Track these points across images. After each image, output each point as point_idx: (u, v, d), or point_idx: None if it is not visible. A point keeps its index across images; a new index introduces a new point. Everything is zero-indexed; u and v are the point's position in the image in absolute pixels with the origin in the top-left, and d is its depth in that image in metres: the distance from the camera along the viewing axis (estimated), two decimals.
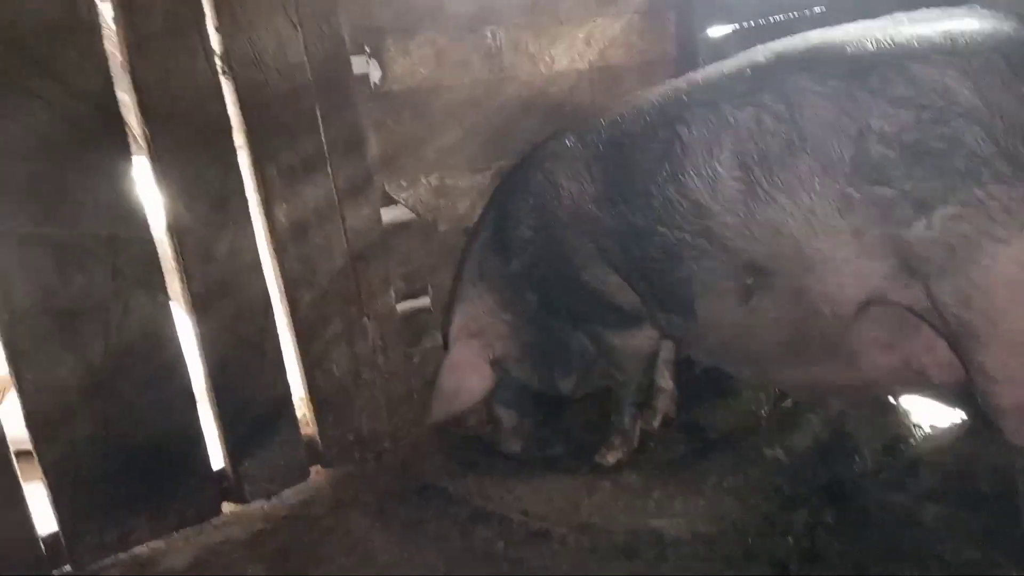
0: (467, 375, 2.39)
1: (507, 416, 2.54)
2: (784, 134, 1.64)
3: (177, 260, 2.20)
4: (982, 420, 2.08)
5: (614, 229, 2.02)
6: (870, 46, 1.58)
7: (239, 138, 2.28)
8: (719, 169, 1.74)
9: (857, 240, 1.59)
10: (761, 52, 1.78)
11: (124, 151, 2.07)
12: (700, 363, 2.54)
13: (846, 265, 1.62)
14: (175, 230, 2.17)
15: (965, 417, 2.22)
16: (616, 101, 2.85)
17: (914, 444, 2.22)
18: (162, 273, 2.18)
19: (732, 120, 1.72)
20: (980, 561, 1.75)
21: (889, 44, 1.57)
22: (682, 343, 2.22)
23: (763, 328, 1.83)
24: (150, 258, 2.13)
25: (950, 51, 1.49)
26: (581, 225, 2.10)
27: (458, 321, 2.43)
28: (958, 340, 1.57)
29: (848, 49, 1.61)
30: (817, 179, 1.60)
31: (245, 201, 2.27)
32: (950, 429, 2.25)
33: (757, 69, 1.74)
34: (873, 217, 1.56)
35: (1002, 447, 1.67)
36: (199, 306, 2.22)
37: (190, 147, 2.17)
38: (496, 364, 2.43)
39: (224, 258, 2.24)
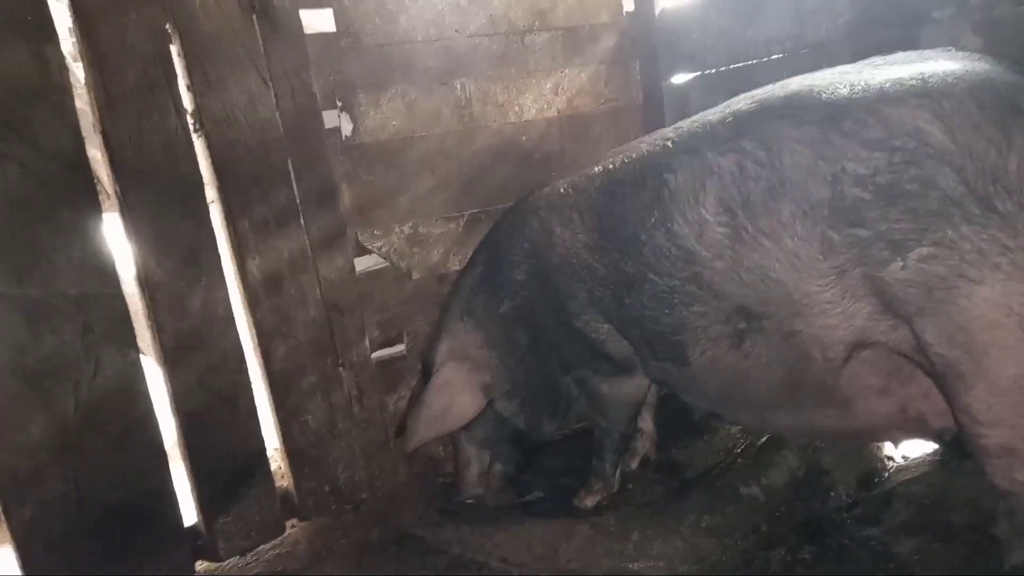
0: (457, 394, 2.36)
1: (477, 457, 2.51)
2: (766, 179, 1.68)
3: (149, 315, 2.20)
4: (953, 450, 2.11)
5: (606, 277, 2.05)
6: (844, 91, 1.63)
7: (211, 192, 2.30)
8: (705, 215, 1.77)
9: (841, 281, 1.61)
10: (742, 100, 1.83)
11: (95, 209, 2.08)
12: (697, 409, 2.54)
13: (832, 307, 1.64)
14: (147, 285, 2.18)
15: (936, 447, 2.24)
16: (588, 150, 2.97)
17: (888, 476, 2.24)
18: (133, 329, 2.17)
19: (716, 167, 1.76)
20: None
21: (863, 88, 1.61)
22: (677, 390, 2.21)
23: (756, 373, 1.84)
24: (121, 314, 2.12)
25: (922, 93, 1.53)
26: (574, 272, 2.13)
27: (444, 349, 2.42)
28: (944, 381, 1.58)
29: (823, 95, 1.65)
30: (799, 222, 1.63)
31: (217, 255, 2.28)
32: (922, 460, 2.27)
33: (738, 116, 1.78)
34: (853, 258, 1.59)
35: (974, 478, 1.68)
36: (171, 361, 2.22)
37: (162, 203, 2.19)
38: (486, 390, 2.39)
39: (196, 312, 2.24)
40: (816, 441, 2.28)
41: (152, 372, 2.24)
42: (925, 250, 1.51)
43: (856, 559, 1.94)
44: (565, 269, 2.14)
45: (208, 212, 2.27)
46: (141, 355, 2.20)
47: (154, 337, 2.22)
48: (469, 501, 2.52)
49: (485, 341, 2.39)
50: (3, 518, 2.01)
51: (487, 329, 2.38)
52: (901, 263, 1.54)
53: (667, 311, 1.91)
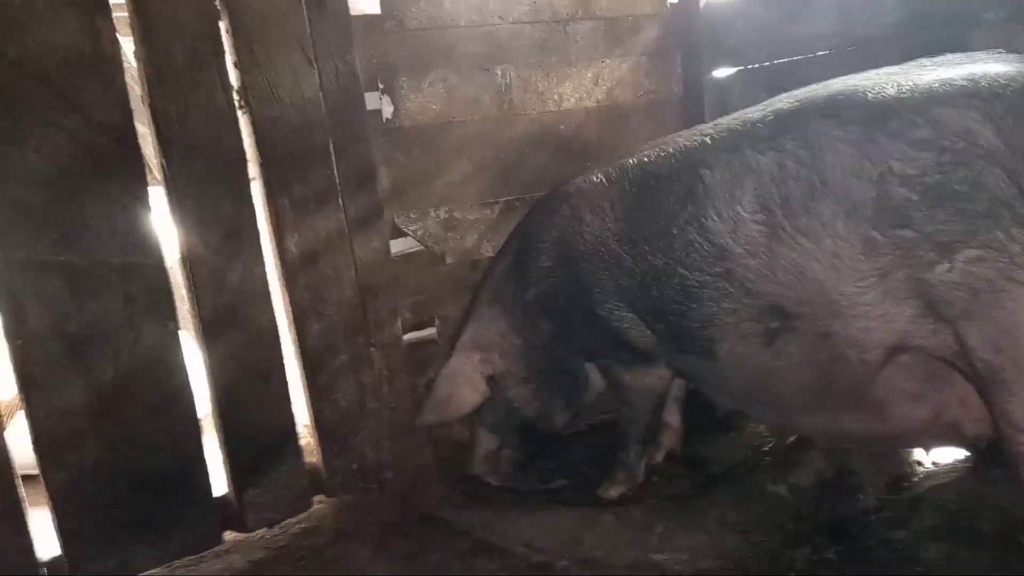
0: (461, 385, 2.43)
1: (487, 440, 2.55)
2: (806, 178, 1.66)
3: (188, 288, 2.24)
4: (985, 457, 2.09)
5: (634, 268, 2.05)
6: (891, 91, 1.61)
7: (253, 170, 2.33)
8: (741, 212, 1.76)
9: (882, 283, 1.60)
10: (784, 99, 1.82)
11: (141, 182, 2.12)
12: (720, 406, 2.54)
13: (872, 309, 1.62)
14: (188, 259, 2.21)
15: (968, 454, 2.22)
16: (625, 142, 2.96)
17: (917, 481, 2.22)
18: (173, 301, 2.21)
19: (754, 164, 1.74)
20: None
21: (910, 88, 1.59)
22: (700, 385, 2.22)
23: (787, 373, 1.83)
24: (162, 286, 2.16)
25: (972, 94, 1.51)
26: (601, 261, 2.13)
27: (466, 336, 2.47)
28: (985, 386, 1.56)
29: (869, 95, 1.63)
30: (840, 222, 1.62)
31: (257, 232, 2.31)
32: (953, 466, 2.25)
33: (779, 115, 1.77)
34: (897, 260, 1.57)
35: (1005, 486, 1.67)
36: (208, 334, 2.25)
37: (205, 178, 2.22)
38: (493, 381, 2.45)
39: (235, 287, 2.27)
40: (844, 444, 2.26)
41: (189, 344, 2.29)
42: (973, 252, 1.49)
43: (882, 561, 1.93)
44: (592, 257, 2.15)
45: (249, 189, 2.30)
46: (179, 328, 2.25)
47: (193, 310, 2.25)
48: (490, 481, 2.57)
49: (510, 328, 2.41)
50: (41, 479, 2.06)
51: (513, 316, 2.41)
52: (948, 265, 1.52)
53: (695, 306, 1.90)
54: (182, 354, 2.23)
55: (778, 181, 1.71)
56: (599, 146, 3.00)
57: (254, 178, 2.34)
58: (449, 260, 2.77)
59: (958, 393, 1.68)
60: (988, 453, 1.91)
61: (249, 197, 2.30)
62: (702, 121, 2.83)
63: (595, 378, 2.45)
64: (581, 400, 2.49)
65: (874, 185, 1.59)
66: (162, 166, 2.18)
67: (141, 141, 2.16)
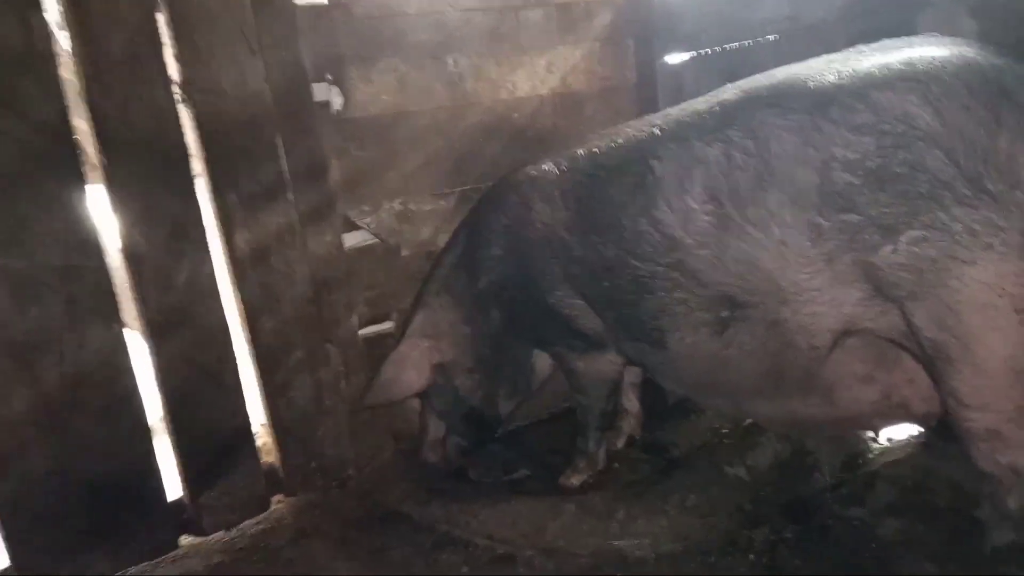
0: (406, 370, 2.42)
1: (435, 427, 2.55)
2: (753, 168, 1.68)
3: (134, 288, 2.17)
4: (938, 433, 2.13)
5: (583, 258, 2.05)
6: (832, 78, 1.63)
7: (198, 165, 2.27)
8: (691, 203, 1.77)
9: (829, 268, 1.62)
10: (730, 90, 1.83)
11: (80, 180, 2.05)
12: (672, 393, 2.55)
13: (820, 294, 1.65)
14: (132, 258, 2.15)
15: (921, 430, 2.25)
16: (581, 129, 2.94)
17: (872, 459, 2.26)
18: (117, 302, 2.15)
19: (703, 155, 1.76)
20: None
21: (850, 74, 1.61)
22: (652, 372, 2.23)
23: (738, 361, 1.85)
24: (105, 287, 2.10)
25: (910, 77, 1.53)
26: (551, 250, 2.13)
27: (415, 324, 2.45)
28: (933, 364, 1.59)
29: (810, 83, 1.65)
30: (787, 211, 1.63)
31: (203, 229, 2.25)
32: (907, 443, 2.29)
33: (725, 106, 1.78)
34: (843, 244, 1.59)
35: (958, 461, 1.70)
36: (156, 335, 2.20)
37: (148, 175, 2.16)
38: (440, 368, 2.44)
39: (182, 286, 2.22)
40: (797, 430, 2.29)
41: (137, 346, 2.23)
42: (916, 233, 1.51)
43: (839, 539, 1.96)
44: (542, 245, 2.14)
45: (194, 185, 2.25)
46: (125, 329, 2.19)
47: (139, 311, 2.19)
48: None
49: (459, 318, 2.41)
50: None
51: (463, 306, 2.40)
52: (892, 247, 1.54)
53: (647, 296, 1.91)
54: (129, 356, 2.17)
55: (726, 172, 1.72)
56: (554, 134, 2.98)
57: (199, 174, 2.28)
58: (404, 252, 2.74)
59: (906, 373, 1.71)
60: (941, 429, 1.94)
61: (194, 193, 2.25)
62: (656, 107, 2.84)
63: (541, 365, 2.45)
64: (527, 388, 2.50)
65: (818, 172, 1.60)
66: (102, 164, 2.11)
67: (81, 138, 2.10)
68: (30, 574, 2.05)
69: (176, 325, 2.22)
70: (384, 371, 2.42)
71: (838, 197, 1.58)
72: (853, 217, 1.57)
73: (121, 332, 2.15)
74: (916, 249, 1.52)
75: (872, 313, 1.64)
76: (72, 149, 2.04)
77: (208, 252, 2.28)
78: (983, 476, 1.63)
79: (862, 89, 1.57)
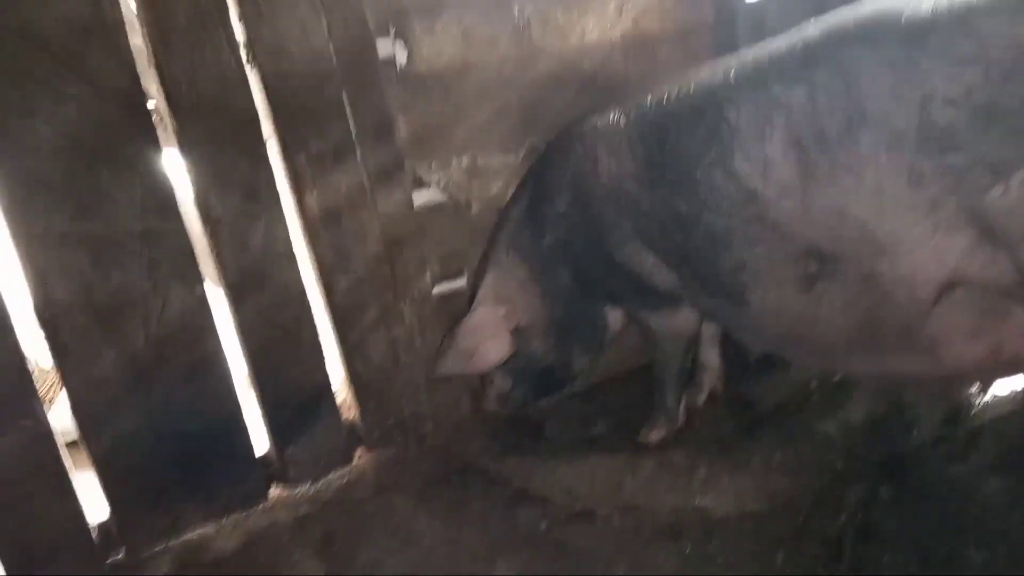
0: (487, 340, 2.36)
1: (501, 380, 2.49)
2: (842, 111, 1.55)
3: (212, 251, 2.22)
4: None
5: (654, 212, 1.95)
6: (928, 5, 1.48)
7: (267, 127, 2.28)
8: (771, 153, 1.65)
9: (932, 215, 1.49)
10: (812, 27, 1.69)
11: (154, 145, 2.08)
12: (752, 350, 2.44)
13: (922, 244, 1.53)
14: (209, 221, 2.18)
15: None
16: (654, 74, 2.80)
17: (975, 414, 2.11)
18: (197, 264, 2.20)
19: (784, 100, 1.63)
20: None
21: (948, 2, 1.46)
22: (730, 329, 2.13)
23: (829, 317, 1.74)
24: (185, 249, 2.14)
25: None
26: (619, 203, 2.04)
27: (487, 285, 2.40)
28: None
29: (904, 13, 1.51)
30: (882, 154, 1.51)
31: (276, 190, 2.27)
32: (1012, 397, 2.12)
33: (808, 44, 1.65)
34: (947, 188, 1.46)
35: None
36: (236, 296, 2.24)
37: (219, 138, 2.17)
38: (517, 333, 2.39)
39: (258, 248, 2.25)
40: (895, 385, 2.15)
41: (219, 309, 2.28)
42: None
43: (938, 498, 1.85)
44: (609, 199, 2.05)
45: (265, 147, 2.25)
46: (208, 290, 2.24)
47: (219, 273, 2.24)
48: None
49: (529, 276, 2.34)
50: (83, 446, 2.10)
51: (531, 264, 2.33)
52: (1003, 188, 1.41)
53: (724, 251, 1.81)
54: (212, 317, 2.22)
55: (811, 116, 1.60)
56: (626, 81, 2.84)
57: (269, 136, 2.29)
58: (475, 209, 2.69)
59: (1018, 325, 1.57)
60: None
61: (265, 156, 2.25)
62: (736, 49, 2.67)
63: (613, 321, 2.38)
64: (601, 345, 2.43)
65: (917, 110, 1.47)
66: (174, 128, 2.14)
67: (152, 104, 2.13)
68: (128, 523, 2.16)
69: (254, 286, 2.26)
70: (460, 340, 2.37)
71: (941, 136, 1.45)
72: (958, 157, 1.44)
73: (203, 293, 2.20)
74: None
75: (980, 262, 1.51)
76: (145, 115, 2.07)
77: (282, 214, 2.29)
78: None
79: (964, 16, 1.42)
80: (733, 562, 1.80)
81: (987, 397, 2.16)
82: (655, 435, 2.33)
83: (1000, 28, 1.38)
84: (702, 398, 2.49)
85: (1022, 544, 1.65)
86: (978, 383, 2.05)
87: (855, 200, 1.57)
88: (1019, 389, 2.13)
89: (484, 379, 2.55)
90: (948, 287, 1.57)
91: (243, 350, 2.30)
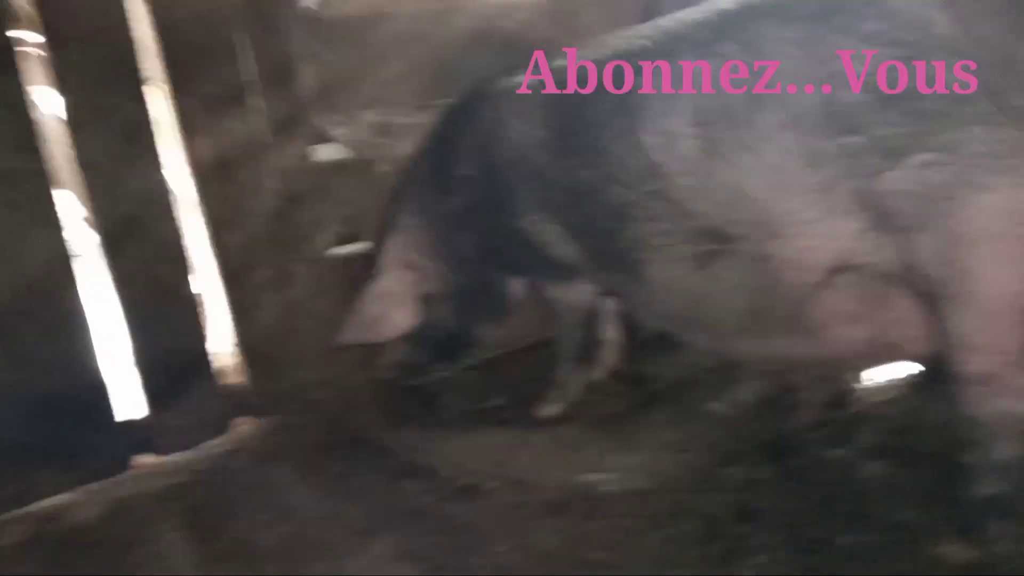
0: (393, 308, 2.29)
1: (397, 347, 2.42)
2: (747, 86, 1.52)
3: (85, 196, 2.05)
4: (930, 373, 2.01)
5: (560, 181, 1.90)
6: None
7: (154, 65, 2.11)
8: (677, 126, 1.61)
9: (826, 197, 1.47)
10: None
11: (20, 79, 1.91)
12: (647, 327, 2.43)
13: (814, 227, 1.51)
14: (81, 163, 2.02)
15: (913, 370, 2.13)
16: (577, 38, 2.73)
17: (860, 398, 2.14)
18: (60, 210, 2.04)
19: (692, 72, 1.59)
20: (916, 523, 1.67)
21: None
22: (627, 305, 2.11)
23: (721, 297, 1.72)
24: (47, 194, 1.98)
25: None
26: (525, 171, 1.97)
27: (392, 249, 2.31)
28: (932, 302, 1.46)
29: None
30: (784, 133, 1.48)
31: (158, 134, 2.12)
32: (898, 383, 2.16)
33: (722, 16, 1.61)
34: (843, 170, 1.44)
35: (950, 403, 1.58)
36: (110, 246, 2.09)
37: (97, 74, 2.02)
38: (423, 301, 2.32)
39: (137, 195, 2.10)
40: (779, 368, 2.17)
41: (89, 259, 2.12)
42: (927, 156, 1.36)
43: (816, 481, 1.86)
44: (515, 166, 1.98)
45: (148, 86, 2.10)
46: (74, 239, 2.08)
47: (91, 221, 2.08)
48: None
49: (432, 240, 2.26)
50: None
51: (435, 228, 2.25)
52: (898, 172, 1.39)
53: (625, 225, 1.76)
54: (73, 268, 2.06)
55: (718, 91, 1.56)
56: (547, 43, 2.75)
57: (156, 75, 2.13)
58: (381, 168, 2.58)
59: (897, 312, 1.57)
60: (933, 369, 1.82)
61: (147, 96, 2.10)
62: (661, 15, 2.62)
63: (516, 291, 2.32)
64: (502, 315, 2.37)
65: (820, 89, 1.44)
66: (49, 60, 1.96)
67: (24, 33, 1.94)
68: None
69: (131, 236, 2.12)
70: (366, 307, 2.28)
71: (842, 117, 1.42)
72: (857, 139, 1.42)
73: (63, 241, 2.04)
74: (924, 174, 1.37)
75: (869, 247, 1.50)
76: (8, 44, 1.88)
77: (163, 160, 2.14)
78: (973, 422, 1.51)
79: None
80: (613, 539, 1.77)
81: (872, 382, 2.20)
82: (550, 410, 2.29)
83: (908, 6, 1.36)
84: (602, 373, 2.46)
85: (893, 529, 1.67)
86: (859, 369, 2.08)
87: (754, 179, 1.54)
88: (903, 376, 2.17)
89: (378, 347, 2.46)
90: (836, 271, 1.56)
91: (118, 305, 2.14)
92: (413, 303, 2.31)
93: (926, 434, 1.94)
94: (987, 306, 1.40)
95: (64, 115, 2.00)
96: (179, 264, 2.20)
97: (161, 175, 2.13)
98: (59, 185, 2.01)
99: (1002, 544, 1.50)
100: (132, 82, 2.06)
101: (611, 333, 2.46)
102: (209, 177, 2.21)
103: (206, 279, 2.29)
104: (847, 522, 1.71)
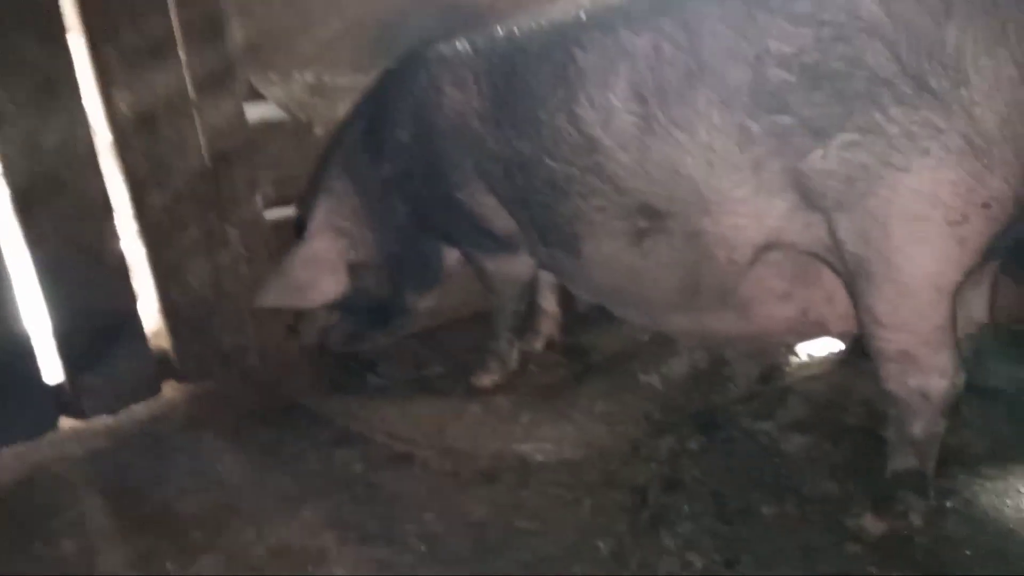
0: (323, 274, 2.23)
1: (326, 314, 2.39)
2: (683, 64, 1.51)
3: None
4: (858, 351, 2.06)
5: (497, 152, 1.86)
6: None
7: (71, 12, 1.99)
8: (614, 101, 1.60)
9: (756, 176, 1.48)
10: None
11: None
12: (583, 301, 2.43)
13: (744, 205, 1.52)
14: None
15: (842, 346, 2.18)
16: (516, 6, 2.67)
17: (788, 372, 2.19)
18: None
19: (630, 47, 1.57)
20: (836, 495, 1.73)
21: None
22: (563, 278, 2.10)
23: (654, 273, 1.73)
24: None
25: None
26: (462, 140, 1.92)
27: (321, 213, 2.23)
28: (852, 280, 1.49)
29: None
30: (715, 111, 1.48)
31: (77, 86, 2.00)
32: (825, 358, 2.22)
33: None
34: (772, 149, 1.45)
35: (873, 379, 1.62)
36: (23, 204, 1.98)
37: (8, 21, 1.88)
38: (352, 268, 2.27)
39: (53, 150, 1.98)
40: (709, 344, 2.20)
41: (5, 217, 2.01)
42: (848, 136, 1.38)
43: (742, 452, 1.90)
44: (452, 135, 1.93)
45: (65, 35, 1.97)
46: None
47: (5, 177, 1.96)
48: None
49: (363, 206, 2.21)
50: None
51: (366, 194, 2.19)
52: (822, 152, 1.41)
53: (562, 200, 1.75)
54: None
55: (654, 66, 1.54)
56: (490, 10, 2.69)
57: (74, 24, 2.00)
58: (317, 130, 2.49)
59: (825, 290, 1.61)
60: (857, 345, 1.87)
61: (66, 45, 1.98)
62: None
63: (450, 261, 2.29)
64: (435, 284, 2.34)
65: (751, 68, 1.44)
66: None
67: None
68: None
69: (47, 194, 2.01)
70: (293, 271, 2.21)
71: (771, 96, 1.43)
72: (785, 119, 1.42)
73: None
74: (847, 154, 1.38)
75: (797, 226, 1.52)
76: None
77: (84, 114, 2.03)
78: (890, 398, 1.55)
79: None
80: (543, 508, 1.79)
81: (801, 357, 2.25)
82: (487, 379, 2.28)
83: None
84: (540, 344, 2.47)
85: (812, 501, 1.72)
86: (785, 345, 2.12)
87: (687, 157, 1.54)
88: (832, 352, 2.23)
89: (303, 312, 2.40)
90: (764, 249, 1.57)
91: (33, 266, 2.04)
92: (343, 270, 2.25)
93: (849, 409, 2.01)
94: (905, 286, 1.43)
95: None
96: (101, 223, 2.09)
97: (81, 129, 2.01)
98: None
99: (913, 517, 1.56)
100: (51, 30, 1.93)
101: (550, 305, 2.45)
102: (129, 132, 2.10)
103: (131, 239, 2.19)
104: (770, 493, 1.76)
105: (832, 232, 1.47)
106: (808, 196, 1.47)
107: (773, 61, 1.42)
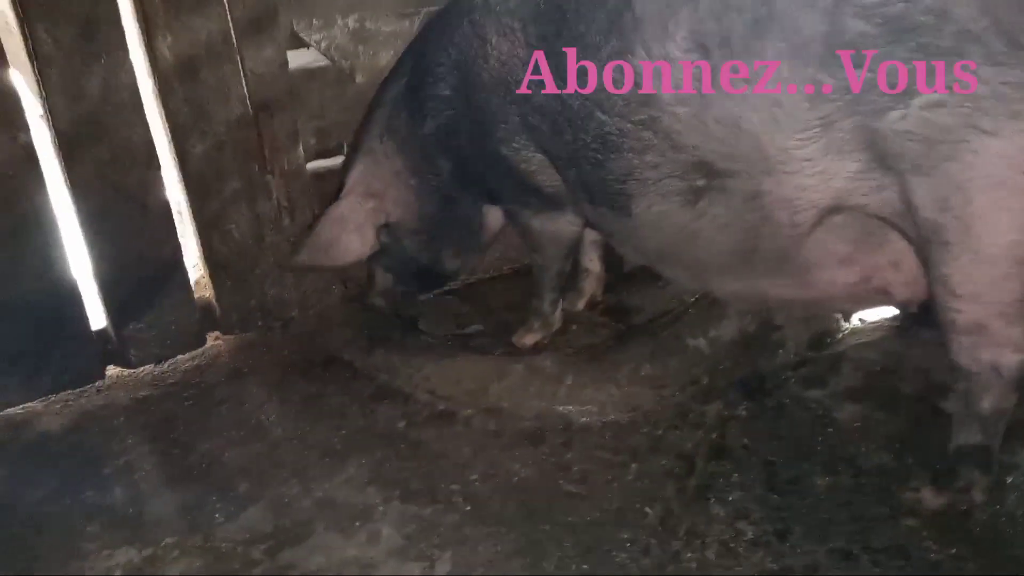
0: (348, 233, 2.19)
1: (381, 278, 2.37)
2: (751, 11, 1.42)
3: (40, 95, 1.91)
4: (913, 317, 1.99)
5: (545, 106, 1.77)
6: None
7: None
8: (673, 51, 1.50)
9: (826, 135, 1.40)
10: None
11: None
12: (631, 262, 2.37)
13: (810, 165, 1.44)
14: (36, 60, 1.87)
15: (896, 312, 2.11)
16: None
17: (840, 339, 2.13)
18: (22, 109, 1.89)
19: None
20: (892, 466, 1.69)
21: None
22: (611, 239, 2.03)
23: (709, 234, 1.65)
24: (6, 92, 1.84)
25: None
26: (508, 93, 1.84)
27: (357, 174, 2.19)
28: (927, 248, 1.41)
29: None
30: (785, 64, 1.39)
31: (121, 29, 1.96)
32: (879, 325, 2.15)
33: None
34: (845, 107, 1.37)
35: (930, 348, 1.56)
36: (67, 149, 1.96)
37: None
38: (384, 230, 2.23)
39: (96, 95, 1.95)
40: (763, 308, 2.13)
41: (50, 163, 2.00)
42: (933, 96, 1.29)
43: (793, 420, 1.86)
44: (497, 88, 1.84)
45: None
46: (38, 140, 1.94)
47: (47, 122, 1.94)
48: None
49: (404, 167, 2.15)
50: None
51: (408, 153, 2.13)
52: (902, 111, 1.32)
53: (613, 156, 1.67)
54: (39, 171, 1.94)
55: (719, 14, 1.45)
56: None
57: None
58: (360, 79, 2.43)
59: (891, 255, 1.53)
60: (913, 314, 1.80)
61: None
62: None
63: (492, 221, 2.23)
64: (477, 247, 2.30)
65: (827, 17, 1.35)
66: None
67: None
68: None
69: (90, 139, 1.98)
70: (321, 230, 2.18)
71: (847, 49, 1.34)
72: (861, 75, 1.33)
73: (29, 143, 1.91)
74: (929, 115, 1.30)
75: (866, 188, 1.44)
76: None
77: (127, 58, 1.99)
78: (959, 371, 1.49)
79: None
80: (588, 472, 1.77)
81: (854, 323, 2.18)
82: (529, 338, 2.25)
83: None
84: (581, 303, 2.42)
85: (867, 472, 1.68)
86: (844, 311, 2.05)
87: (750, 113, 1.45)
88: (886, 318, 2.16)
89: (369, 276, 2.39)
90: (829, 211, 1.50)
91: (76, 213, 2.03)
92: (369, 231, 2.22)
93: (904, 378, 1.95)
94: (983, 255, 1.36)
95: (18, 7, 1.82)
96: (145, 170, 2.07)
97: (125, 75, 1.97)
98: (11, 83, 1.86)
99: (975, 493, 1.52)
100: None
101: (593, 263, 2.40)
102: (172, 78, 2.06)
103: (174, 188, 2.17)
104: (823, 463, 1.72)
105: (906, 196, 1.39)
106: (883, 158, 1.39)
107: (852, 10, 1.33)
